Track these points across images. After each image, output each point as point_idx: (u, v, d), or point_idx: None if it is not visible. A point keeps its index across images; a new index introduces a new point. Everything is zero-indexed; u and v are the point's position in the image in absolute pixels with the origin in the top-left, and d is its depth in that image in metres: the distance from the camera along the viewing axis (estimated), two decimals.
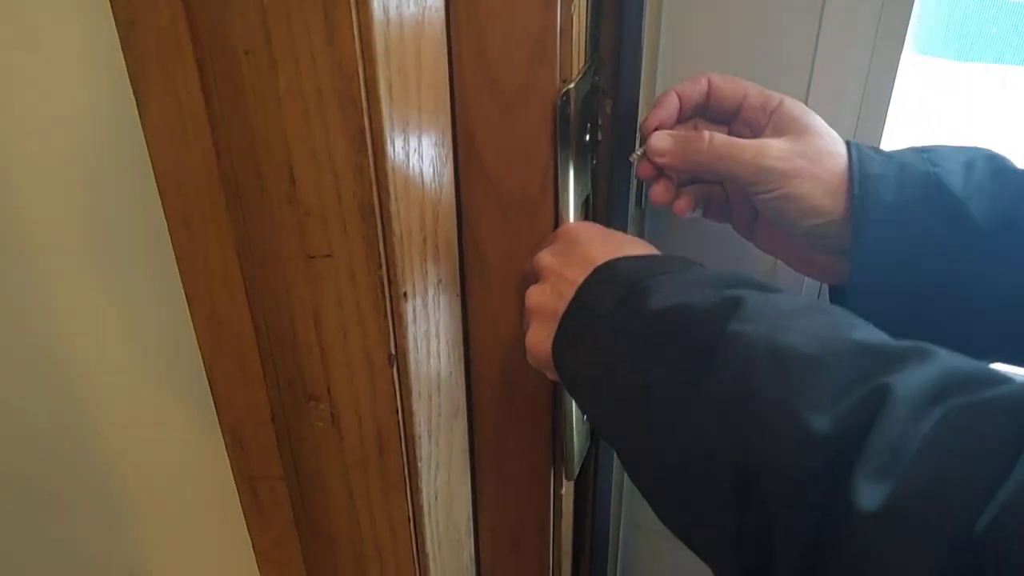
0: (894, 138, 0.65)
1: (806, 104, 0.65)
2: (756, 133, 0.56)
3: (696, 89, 0.57)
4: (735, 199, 0.60)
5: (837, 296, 0.58)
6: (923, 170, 0.52)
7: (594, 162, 0.60)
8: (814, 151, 0.53)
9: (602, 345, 0.47)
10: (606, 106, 0.60)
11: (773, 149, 0.53)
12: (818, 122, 0.55)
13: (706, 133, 0.54)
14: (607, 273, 0.49)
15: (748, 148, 0.53)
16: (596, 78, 0.57)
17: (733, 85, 0.57)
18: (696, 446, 0.40)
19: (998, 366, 0.54)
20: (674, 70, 0.68)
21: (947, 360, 0.36)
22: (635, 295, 0.46)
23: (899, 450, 0.33)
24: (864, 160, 0.53)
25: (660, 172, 0.57)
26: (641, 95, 0.60)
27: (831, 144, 0.54)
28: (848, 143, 0.54)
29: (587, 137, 0.57)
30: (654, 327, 0.44)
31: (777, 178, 0.52)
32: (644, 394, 0.43)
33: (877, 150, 0.55)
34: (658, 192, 0.58)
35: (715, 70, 0.66)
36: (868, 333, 0.39)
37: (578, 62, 0.54)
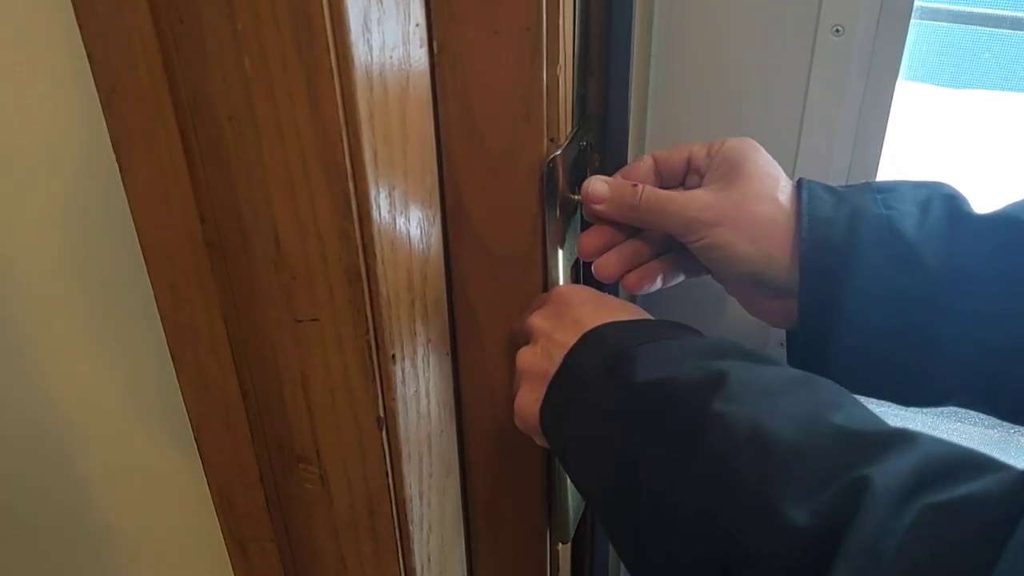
0: (887, 166, 0.65)
1: (798, 150, 0.65)
2: (703, 177, 0.56)
3: (643, 167, 0.57)
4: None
5: (790, 342, 0.57)
6: (876, 212, 0.51)
7: (583, 224, 0.60)
8: (740, 197, 0.52)
9: (589, 415, 0.46)
10: (594, 161, 0.59)
11: (697, 200, 0.53)
12: (757, 165, 0.53)
13: (639, 186, 0.54)
14: (595, 340, 0.48)
15: (674, 200, 0.53)
16: (583, 143, 0.57)
17: (677, 153, 0.56)
18: (678, 530, 0.39)
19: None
20: (663, 124, 0.68)
21: (927, 448, 0.36)
22: (621, 364, 0.45)
23: (877, 551, 0.32)
24: (815, 202, 0.52)
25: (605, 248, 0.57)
26: (629, 151, 0.59)
27: (766, 188, 0.52)
28: (800, 183, 0.53)
29: (576, 199, 0.56)
30: (639, 401, 0.43)
31: (701, 227, 0.52)
32: (629, 471, 0.42)
33: (831, 190, 0.53)
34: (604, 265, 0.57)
35: (705, 120, 0.67)
36: (851, 415, 0.38)
37: (565, 122, 0.53)
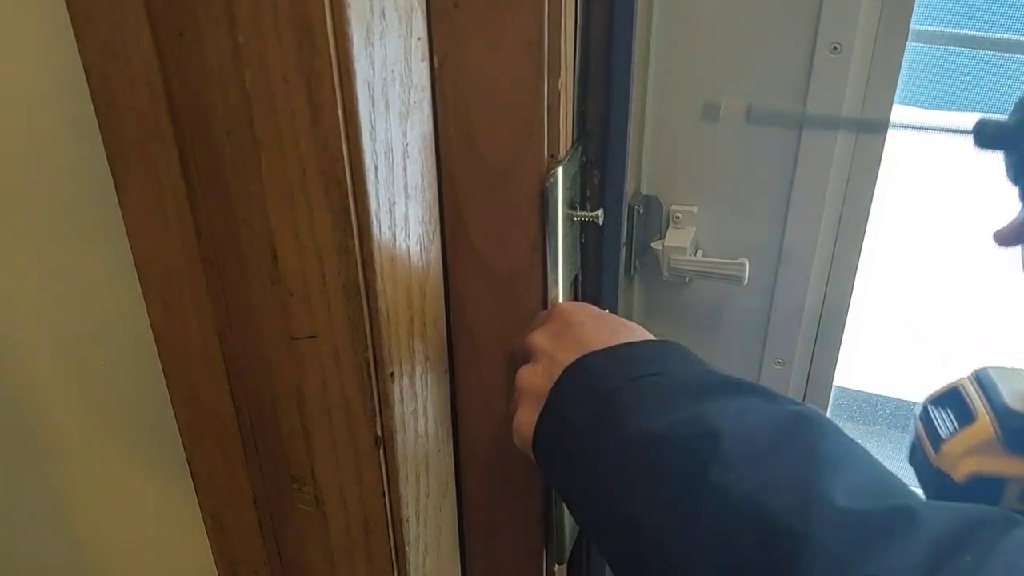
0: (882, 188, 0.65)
1: (795, 167, 0.65)
2: None
3: None
4: None
5: None
6: None
7: (583, 240, 0.60)
8: None
9: (582, 464, 0.46)
10: (594, 177, 0.59)
11: None
12: None
13: None
14: (579, 376, 0.48)
15: None
16: (584, 158, 0.57)
17: None
18: None
19: None
20: (662, 141, 0.68)
21: (929, 525, 0.36)
22: (611, 412, 0.45)
23: None
24: None
25: None
26: (628, 167, 0.59)
27: None
28: None
29: (575, 217, 0.56)
30: (632, 457, 0.43)
31: None
32: (631, 530, 0.43)
33: None
34: None
35: (703, 133, 0.67)
36: (850, 484, 0.38)
37: (566, 138, 0.53)
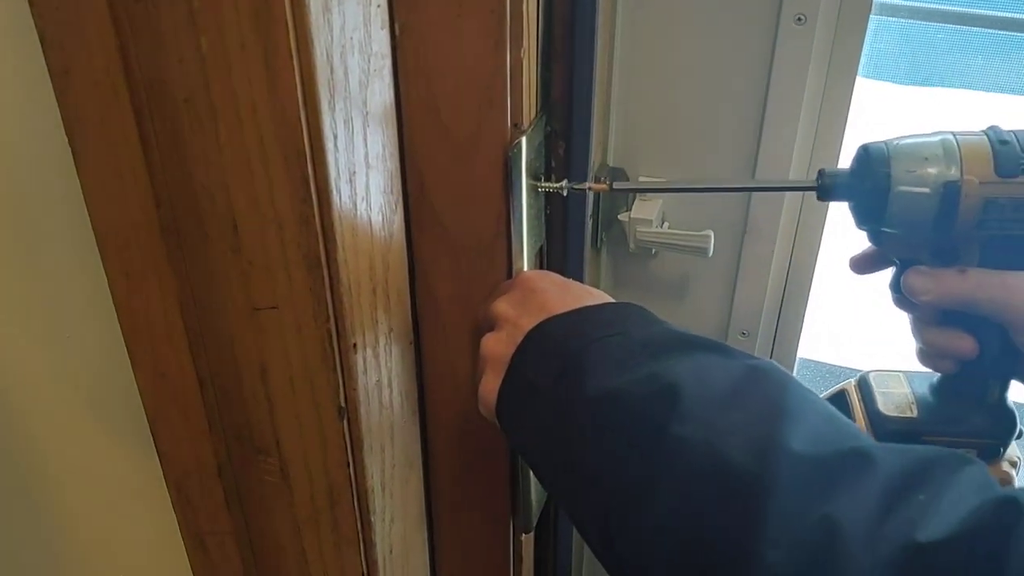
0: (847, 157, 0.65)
1: (760, 138, 0.65)
2: None
3: None
4: None
5: None
6: None
7: (548, 212, 0.60)
8: None
9: (544, 425, 0.47)
10: (559, 148, 0.59)
11: None
12: None
13: (966, 270, 0.50)
14: (540, 339, 0.48)
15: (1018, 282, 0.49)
16: (548, 128, 0.57)
17: None
18: (651, 545, 0.40)
19: None
20: (627, 110, 0.68)
21: (882, 466, 0.37)
22: (572, 372, 0.45)
23: None
24: None
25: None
26: (593, 137, 0.59)
27: None
28: None
29: (540, 188, 0.56)
30: (594, 415, 0.44)
31: None
32: (594, 485, 0.43)
33: None
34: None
35: (669, 105, 0.67)
36: (805, 431, 0.39)
37: (529, 107, 0.53)
